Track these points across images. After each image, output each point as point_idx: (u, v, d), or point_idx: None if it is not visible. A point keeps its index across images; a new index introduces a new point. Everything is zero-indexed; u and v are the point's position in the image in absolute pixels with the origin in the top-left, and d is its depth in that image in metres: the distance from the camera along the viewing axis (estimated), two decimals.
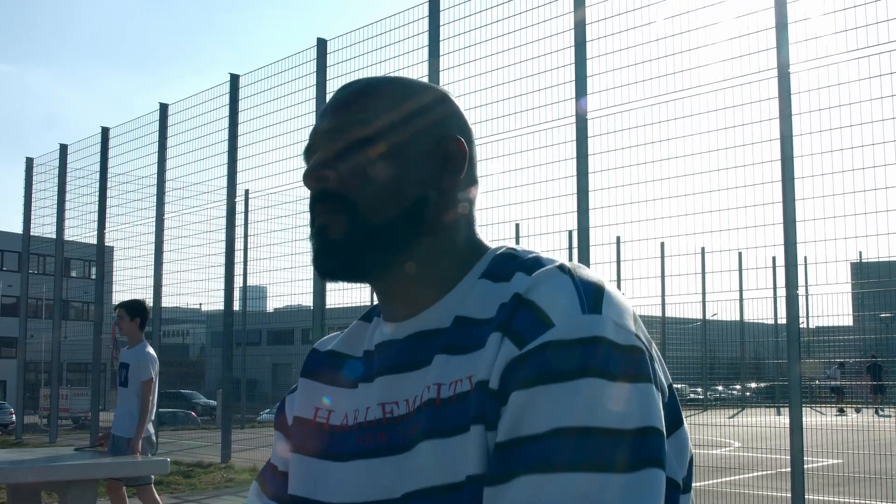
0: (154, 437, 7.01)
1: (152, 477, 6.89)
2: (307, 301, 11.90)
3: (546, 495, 0.81)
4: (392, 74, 1.09)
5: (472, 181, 1.06)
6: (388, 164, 0.99)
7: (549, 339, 0.86)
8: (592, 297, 0.90)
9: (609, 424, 0.83)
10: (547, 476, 0.82)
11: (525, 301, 0.90)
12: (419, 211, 1.00)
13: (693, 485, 1.00)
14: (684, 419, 1.00)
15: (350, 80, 1.09)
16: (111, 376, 20.92)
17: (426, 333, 1.00)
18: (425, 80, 10.55)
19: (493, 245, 1.07)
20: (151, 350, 6.80)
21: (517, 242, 12.33)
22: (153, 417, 6.85)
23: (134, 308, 6.71)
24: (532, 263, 0.97)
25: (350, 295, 11.91)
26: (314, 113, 11.39)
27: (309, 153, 1.05)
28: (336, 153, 1.01)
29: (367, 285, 1.10)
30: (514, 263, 0.99)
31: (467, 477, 0.89)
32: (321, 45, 11.67)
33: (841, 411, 18.94)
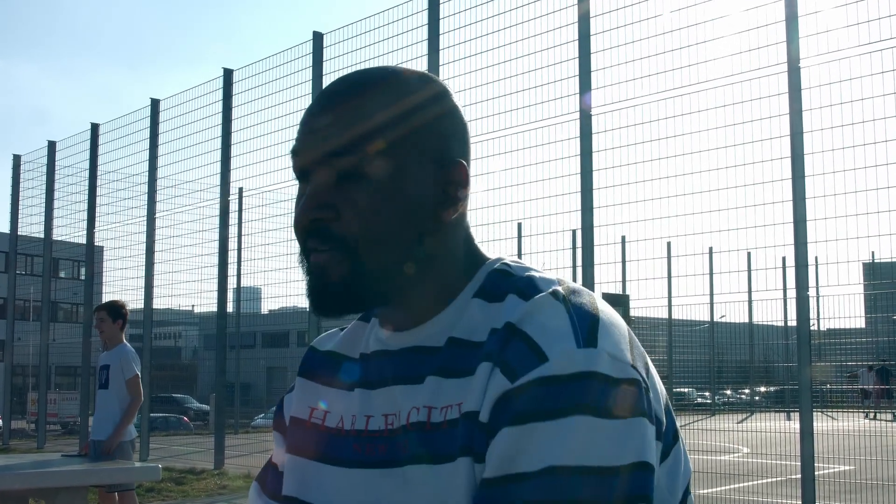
0: (136, 443, 6.98)
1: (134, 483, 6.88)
2: (303, 302, 11.90)
3: None
4: (387, 68, 1.05)
5: (467, 192, 1.04)
6: (389, 202, 0.97)
7: (542, 374, 0.87)
8: (588, 327, 0.90)
9: (602, 462, 0.84)
10: None
11: (518, 332, 0.91)
12: (420, 246, 1.00)
13: (699, 492, 1.01)
14: (681, 435, 1.02)
15: (342, 76, 1.05)
16: None
17: (420, 350, 1.01)
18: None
19: (489, 254, 1.06)
20: (131, 348, 6.81)
21: (519, 242, 12.33)
22: (135, 421, 6.84)
23: (116, 310, 6.73)
24: (525, 284, 0.96)
25: None
26: None
27: (296, 156, 1.02)
28: (329, 187, 0.98)
29: None
30: (507, 282, 0.99)
31: None
32: (317, 38, 11.67)
33: (871, 416, 18.91)
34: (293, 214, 1.02)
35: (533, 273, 0.99)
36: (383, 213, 0.97)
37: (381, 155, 0.97)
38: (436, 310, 1.02)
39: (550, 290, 0.94)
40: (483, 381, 0.91)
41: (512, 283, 0.98)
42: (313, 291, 1.00)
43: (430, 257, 1.01)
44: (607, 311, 0.94)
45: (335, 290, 0.98)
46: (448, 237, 1.02)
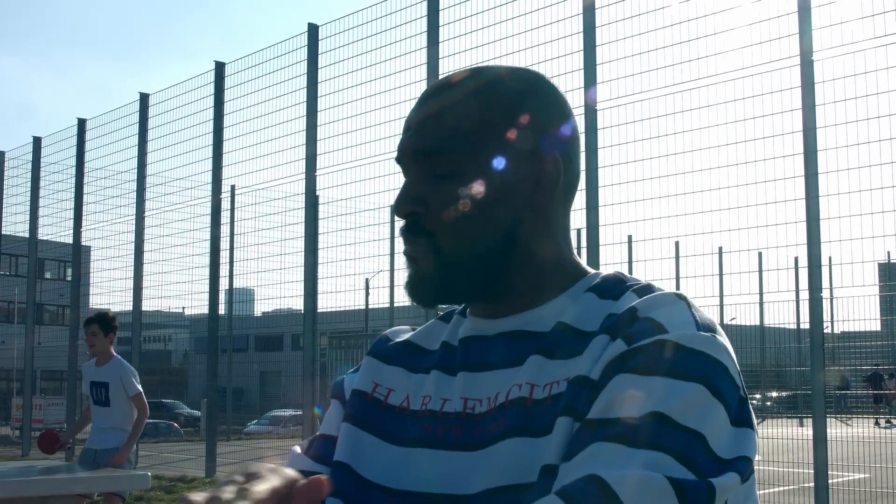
0: (135, 456, 7.10)
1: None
2: (297, 304, 11.89)
3: (618, 462, 0.84)
4: (481, 66, 1.11)
5: (572, 190, 1.11)
6: (480, 197, 1.03)
7: (666, 338, 0.91)
8: (708, 322, 0.95)
9: (710, 438, 0.87)
10: (627, 448, 0.85)
11: (640, 317, 0.94)
12: (512, 237, 1.05)
13: None
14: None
15: (442, 80, 1.11)
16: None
17: (521, 334, 1.04)
18: (422, 69, 10.50)
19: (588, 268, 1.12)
20: (127, 362, 6.87)
21: None
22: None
23: (107, 323, 6.74)
24: (644, 288, 1.01)
25: (343, 298, 11.93)
26: (304, 103, 11.36)
27: (399, 162, 1.10)
28: (424, 179, 1.06)
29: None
30: (623, 285, 1.04)
31: (543, 467, 0.91)
32: (312, 30, 11.67)
33: (882, 423, 18.91)
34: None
35: (651, 282, 1.04)
36: (470, 209, 1.03)
37: (470, 154, 1.04)
38: (539, 300, 1.06)
39: (673, 291, 0.99)
40: (598, 350, 0.94)
41: (628, 286, 1.03)
42: (407, 281, 1.07)
43: (526, 247, 1.05)
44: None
45: (425, 280, 1.05)
46: (545, 226, 1.07)
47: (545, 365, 0.99)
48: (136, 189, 14.67)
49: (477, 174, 1.03)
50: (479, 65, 1.12)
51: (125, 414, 6.73)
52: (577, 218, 8.98)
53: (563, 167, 1.07)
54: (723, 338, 0.95)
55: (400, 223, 1.09)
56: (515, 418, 0.96)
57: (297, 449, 1.19)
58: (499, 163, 1.04)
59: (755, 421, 0.95)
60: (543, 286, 1.06)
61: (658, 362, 0.89)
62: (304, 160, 11.24)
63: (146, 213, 14.56)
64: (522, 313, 1.06)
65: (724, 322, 19.44)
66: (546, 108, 1.08)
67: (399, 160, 1.10)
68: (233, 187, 13.55)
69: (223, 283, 13.72)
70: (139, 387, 6.68)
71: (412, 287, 1.07)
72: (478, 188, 1.03)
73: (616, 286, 1.04)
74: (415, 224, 1.05)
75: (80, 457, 6.68)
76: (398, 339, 1.20)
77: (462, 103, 1.06)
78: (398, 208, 1.06)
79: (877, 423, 18.41)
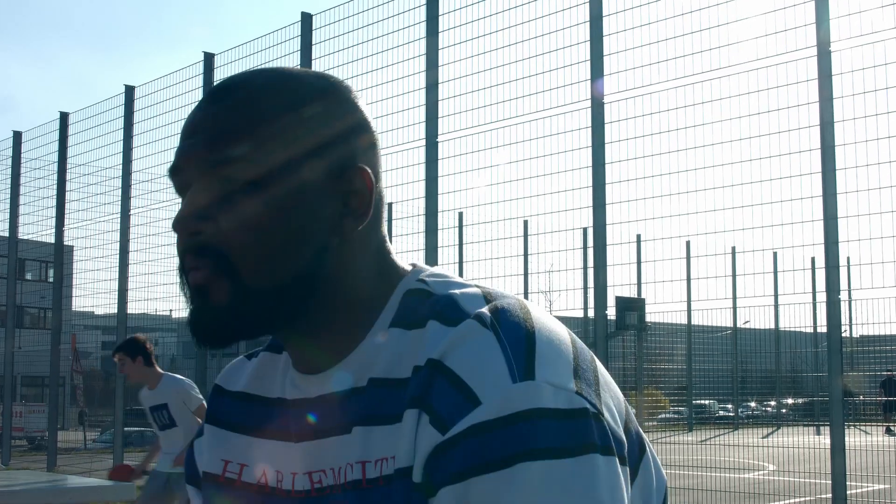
0: None
1: None
2: None
3: None
4: (280, 68, 1.02)
5: (380, 199, 1.01)
6: (279, 213, 0.93)
7: (475, 420, 0.83)
8: (523, 356, 0.86)
9: None
10: None
11: (442, 368, 0.86)
12: (317, 266, 0.95)
13: None
14: (647, 445, 0.99)
15: (229, 77, 1.01)
16: (71, 391, 20.93)
17: (340, 395, 0.97)
18: (420, 61, 10.52)
19: (405, 266, 1.03)
20: (180, 377, 6.85)
21: (525, 241, 12.32)
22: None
23: (132, 347, 6.69)
24: (446, 306, 0.92)
25: None
26: None
27: (176, 175, 0.98)
28: (212, 196, 0.94)
29: None
30: (426, 304, 0.94)
31: None
32: (306, 20, 11.68)
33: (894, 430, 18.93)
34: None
35: (454, 290, 0.94)
36: (270, 225, 0.93)
37: (269, 161, 0.94)
38: (346, 348, 0.97)
39: (475, 313, 0.89)
40: (411, 432, 0.87)
41: (431, 304, 0.94)
42: (195, 318, 0.95)
43: (334, 279, 0.97)
44: (543, 325, 0.90)
45: (220, 314, 0.94)
46: (355, 254, 0.98)
47: (370, 434, 0.92)
48: (121, 186, 14.66)
49: (276, 185, 0.93)
50: (273, 67, 1.02)
51: (194, 429, 6.71)
52: (584, 216, 9.00)
53: (375, 181, 0.98)
54: (544, 366, 0.86)
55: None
56: None
57: None
58: (302, 173, 0.95)
59: (617, 435, 0.89)
60: (354, 321, 0.98)
61: (477, 458, 0.82)
62: None
63: (132, 211, 14.56)
64: (336, 368, 0.98)
65: (738, 325, 19.44)
66: (352, 117, 1.00)
67: (174, 171, 0.98)
68: None
69: None
70: (199, 396, 6.67)
71: (203, 324, 0.94)
72: (279, 201, 0.93)
73: (419, 307, 0.95)
74: (202, 245, 0.93)
75: (149, 479, 6.70)
76: (234, 390, 1.11)
77: (259, 105, 0.96)
78: (181, 225, 0.94)
79: (888, 431, 18.43)
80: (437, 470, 0.85)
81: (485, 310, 0.90)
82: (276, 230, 0.93)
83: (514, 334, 0.87)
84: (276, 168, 0.94)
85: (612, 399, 0.92)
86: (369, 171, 0.98)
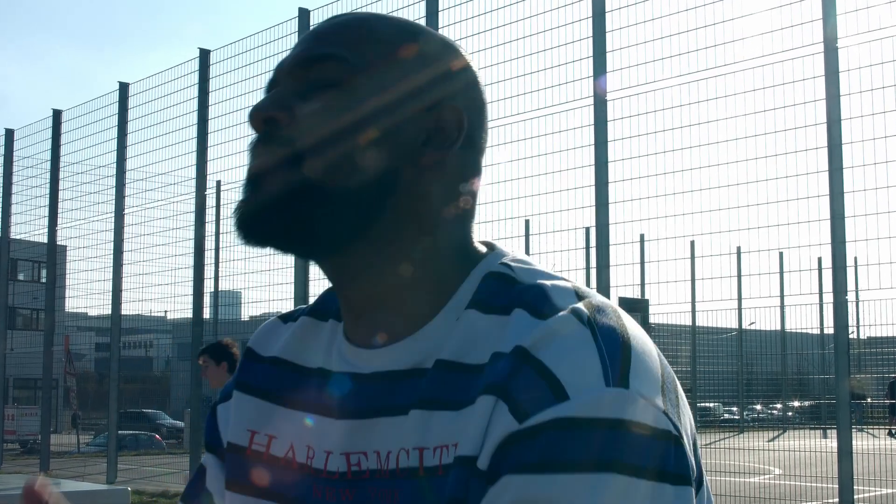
0: None
1: None
2: (287, 308, 11.86)
3: None
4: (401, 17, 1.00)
5: (473, 169, 0.98)
6: (357, 117, 0.91)
7: (561, 414, 0.78)
8: (619, 362, 0.81)
9: None
10: None
11: (531, 359, 0.82)
12: (384, 187, 0.91)
13: None
14: (705, 476, 0.95)
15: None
16: (63, 394, 20.94)
17: (398, 375, 0.92)
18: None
19: (483, 250, 0.98)
20: None
21: (527, 241, 12.33)
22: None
23: (219, 351, 6.64)
24: (535, 296, 0.88)
25: None
26: None
27: (270, 89, 0.97)
28: (296, 90, 0.93)
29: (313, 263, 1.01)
30: (511, 291, 0.90)
31: None
32: (304, 15, 11.68)
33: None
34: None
35: (543, 281, 0.90)
36: (344, 126, 0.90)
37: (356, 67, 0.92)
38: (414, 323, 0.93)
39: (571, 307, 0.85)
40: (483, 419, 0.82)
41: (518, 293, 0.89)
42: (240, 203, 0.91)
43: (403, 212, 0.93)
44: (637, 335, 0.86)
45: (265, 203, 0.90)
46: (430, 197, 0.94)
47: (430, 419, 0.87)
48: (115, 185, 14.66)
49: (360, 89, 0.92)
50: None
51: None
52: (586, 216, 9.00)
53: (469, 120, 0.95)
54: (639, 375, 0.82)
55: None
56: (410, 495, 0.88)
57: None
58: (390, 87, 0.92)
59: (691, 462, 0.84)
60: (421, 291, 0.94)
61: (558, 453, 0.78)
62: None
63: (126, 211, 14.56)
64: (399, 343, 0.93)
65: (744, 326, 19.45)
66: (462, 63, 0.98)
67: (270, 82, 0.97)
68: (218, 183, 13.57)
69: (208, 286, 13.72)
70: None
71: (249, 214, 0.91)
72: (360, 105, 0.91)
73: (503, 292, 0.90)
74: (271, 133, 0.91)
75: None
76: (267, 355, 1.06)
77: (365, 26, 0.95)
78: (255, 115, 0.92)
79: (890, 434, 18.45)
80: (507, 458, 0.80)
81: (581, 306, 0.85)
82: (349, 132, 0.90)
83: (610, 337, 0.83)
84: (365, 76, 0.92)
85: (689, 421, 0.88)
86: (463, 112, 0.95)
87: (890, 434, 18.55)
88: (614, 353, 0.82)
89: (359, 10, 1.00)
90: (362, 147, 0.90)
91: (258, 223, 0.91)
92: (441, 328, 0.92)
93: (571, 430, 0.78)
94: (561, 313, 0.84)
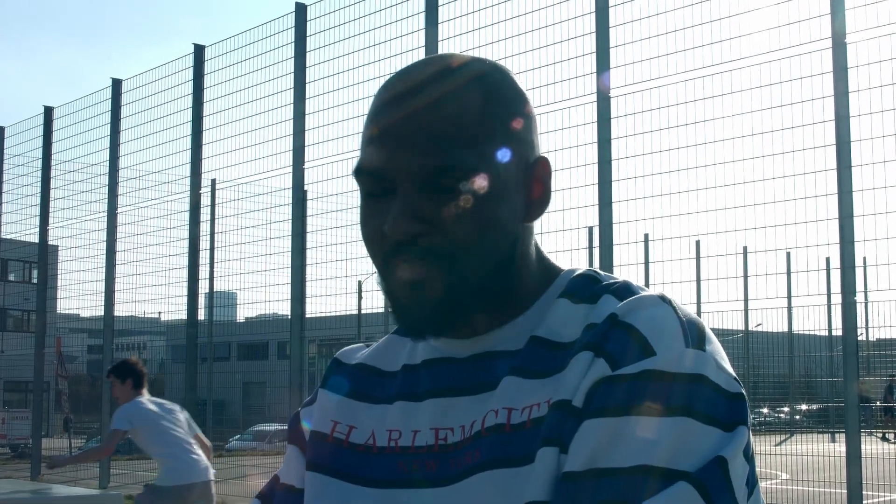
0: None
1: None
2: (284, 309, 11.87)
3: None
4: (456, 56, 1.07)
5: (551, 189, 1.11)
6: (492, 210, 1.02)
7: (649, 366, 0.93)
8: (696, 332, 0.97)
9: (699, 472, 0.89)
10: None
11: (622, 323, 0.96)
12: (513, 253, 1.05)
13: None
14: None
15: (411, 68, 1.05)
16: (55, 397, 20.93)
17: (495, 354, 1.05)
18: (420, 52, 10.50)
19: (564, 266, 1.12)
20: (128, 405, 6.95)
21: None
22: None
23: (122, 370, 6.85)
24: (621, 287, 1.03)
25: (334, 303, 11.92)
26: (292, 90, 11.36)
27: (375, 177, 1.02)
28: (430, 200, 1.00)
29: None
30: (598, 286, 1.05)
31: None
32: (300, 10, 11.67)
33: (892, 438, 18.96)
34: (363, 228, 1.04)
35: (628, 280, 1.05)
36: (480, 224, 1.01)
37: (483, 164, 1.01)
38: (510, 317, 1.07)
39: (656, 293, 1.00)
40: (582, 369, 0.95)
41: (605, 285, 1.04)
42: (408, 310, 1.03)
43: (523, 260, 1.07)
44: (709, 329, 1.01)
45: (436, 308, 1.02)
46: (530, 240, 1.09)
47: (522, 386, 1.00)
48: (107, 183, 14.66)
49: (484, 185, 1.01)
50: (449, 54, 1.08)
51: (148, 446, 6.90)
52: (589, 215, 8.99)
53: (550, 166, 1.08)
54: (711, 344, 0.97)
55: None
56: (492, 448, 0.98)
57: (258, 502, 1.20)
58: (504, 170, 1.03)
59: (749, 415, 0.98)
60: (523, 297, 1.08)
61: (643, 397, 0.91)
62: (292, 152, 11.23)
63: (119, 210, 14.56)
64: (493, 332, 1.07)
65: (750, 328, 19.46)
66: (528, 104, 1.08)
67: (377, 174, 1.02)
68: (213, 181, 13.56)
69: (203, 286, 13.71)
70: (119, 425, 6.76)
71: (422, 317, 1.03)
72: (486, 200, 1.01)
73: (590, 286, 1.05)
74: (423, 247, 1.00)
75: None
76: (352, 362, 1.19)
77: (460, 104, 1.02)
78: (396, 229, 1.00)
79: (883, 438, 18.47)
80: (598, 398, 0.93)
81: (664, 293, 1.01)
82: (489, 226, 1.02)
83: (688, 316, 0.99)
84: (479, 170, 1.00)
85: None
86: (549, 161, 1.08)
87: (883, 438, 18.55)
88: (692, 326, 0.97)
89: (440, 60, 0.96)
90: (495, 236, 1.03)
91: (432, 323, 1.03)
92: (535, 315, 1.06)
93: (657, 380, 0.92)
94: (645, 293, 1.01)
